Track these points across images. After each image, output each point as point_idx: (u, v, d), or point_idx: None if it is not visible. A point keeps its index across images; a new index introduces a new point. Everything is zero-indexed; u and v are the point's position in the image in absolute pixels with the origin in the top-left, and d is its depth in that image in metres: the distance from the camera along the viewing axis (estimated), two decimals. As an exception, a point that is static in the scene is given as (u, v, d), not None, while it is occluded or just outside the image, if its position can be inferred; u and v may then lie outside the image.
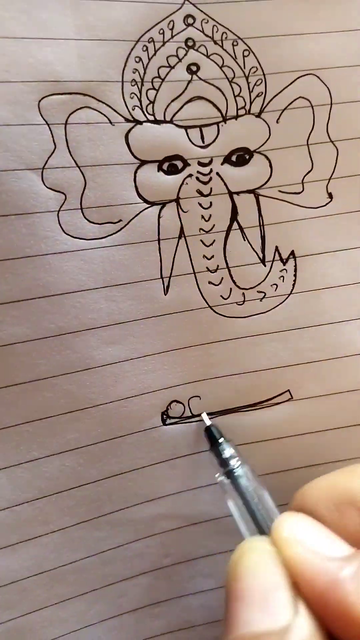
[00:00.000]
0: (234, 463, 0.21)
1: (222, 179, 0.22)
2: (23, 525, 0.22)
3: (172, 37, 0.21)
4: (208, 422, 0.22)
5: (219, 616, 0.25)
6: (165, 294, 0.22)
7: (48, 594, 0.22)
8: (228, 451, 0.21)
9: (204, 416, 0.23)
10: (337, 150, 0.23)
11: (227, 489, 0.21)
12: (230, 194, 0.23)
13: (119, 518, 0.23)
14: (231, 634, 0.15)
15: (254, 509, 0.20)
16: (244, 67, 0.22)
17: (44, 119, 0.20)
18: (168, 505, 0.23)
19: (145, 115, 0.21)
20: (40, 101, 0.20)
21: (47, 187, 0.20)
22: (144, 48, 0.21)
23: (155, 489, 0.23)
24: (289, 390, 0.24)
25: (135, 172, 0.21)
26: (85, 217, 0.21)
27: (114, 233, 0.21)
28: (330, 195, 0.23)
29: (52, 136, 0.20)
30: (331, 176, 0.23)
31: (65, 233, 0.21)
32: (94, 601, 0.23)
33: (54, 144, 0.20)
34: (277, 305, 0.23)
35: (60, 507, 0.22)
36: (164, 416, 0.23)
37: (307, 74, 0.23)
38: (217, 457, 0.21)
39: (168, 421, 0.23)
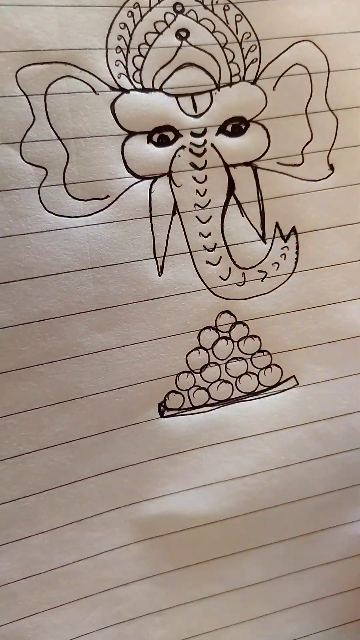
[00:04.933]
0: None
1: (217, 151, 0.21)
2: (10, 525, 0.20)
3: (160, 1, 0.20)
4: None
5: (227, 622, 0.23)
6: (159, 275, 0.21)
7: (39, 599, 0.21)
8: None
9: None
10: (337, 119, 0.22)
11: None
12: (226, 166, 0.21)
13: (114, 518, 0.21)
14: None
15: None
16: (237, 33, 0.21)
17: (22, 90, 0.19)
18: (169, 505, 0.22)
19: (132, 83, 0.20)
20: (18, 71, 0.19)
21: (26, 162, 0.19)
22: (129, 14, 0.20)
23: (154, 487, 0.22)
24: (294, 376, 0.23)
25: (123, 144, 0.20)
26: (68, 194, 0.20)
27: (101, 210, 0.20)
28: (331, 167, 0.22)
29: (31, 108, 0.19)
30: (332, 147, 0.22)
31: (47, 210, 0.20)
32: (90, 608, 0.22)
33: (33, 115, 0.19)
34: (279, 285, 0.22)
35: (49, 506, 0.21)
36: (162, 407, 0.22)
37: (303, 40, 0.21)
38: None
39: (166, 413, 0.22)
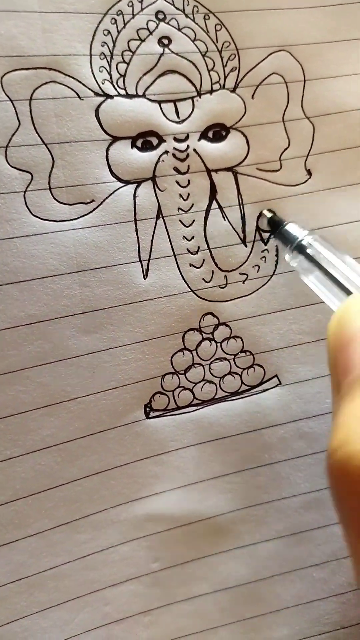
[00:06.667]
0: (301, 235, 0.21)
1: (199, 156, 0.22)
2: (-2, 529, 0.20)
3: (142, 9, 0.21)
4: (268, 214, 0.22)
5: (215, 623, 0.24)
6: (144, 278, 0.22)
7: (27, 602, 0.21)
8: (294, 228, 0.21)
9: (265, 211, 0.22)
10: (313, 126, 0.23)
11: (305, 266, 0.20)
12: (209, 171, 0.22)
13: (101, 519, 0.22)
14: (350, 375, 0.15)
15: (339, 275, 0.19)
16: (217, 42, 0.22)
17: (6, 95, 0.19)
18: (155, 505, 0.22)
19: (116, 89, 0.21)
20: (2, 77, 0.19)
21: (11, 167, 0.19)
22: (113, 21, 0.21)
23: (141, 487, 0.22)
24: (276, 376, 0.23)
25: (108, 149, 0.21)
26: (54, 198, 0.20)
27: (86, 214, 0.21)
28: (309, 172, 0.23)
29: (16, 113, 0.20)
30: (309, 152, 0.23)
31: (32, 215, 0.20)
32: (78, 610, 0.22)
33: (18, 120, 0.20)
34: (260, 287, 0.23)
35: (37, 509, 0.21)
36: (147, 409, 0.22)
37: (280, 50, 0.22)
38: (285, 238, 0.21)
39: (152, 414, 0.22)
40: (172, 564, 0.23)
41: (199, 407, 0.23)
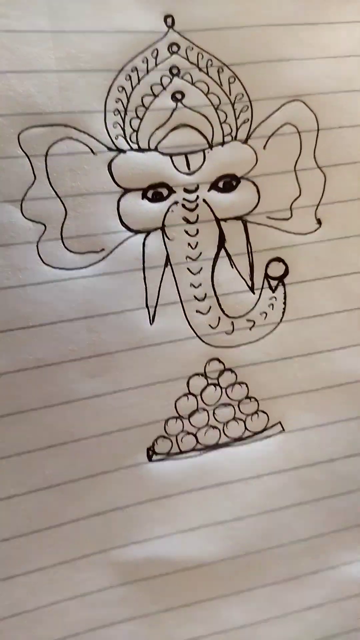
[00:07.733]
0: None
1: (208, 206, 0.22)
2: (0, 564, 0.21)
3: (157, 65, 0.22)
4: None
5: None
6: (150, 324, 0.22)
7: (26, 636, 0.22)
8: None
9: None
10: (325, 176, 0.23)
11: None
12: (217, 220, 0.23)
13: (101, 560, 0.22)
14: None
15: None
16: (230, 94, 0.23)
17: (23, 152, 0.21)
18: (155, 548, 0.23)
19: (128, 144, 0.22)
20: (20, 134, 0.21)
21: (26, 219, 0.21)
22: (127, 77, 0.22)
23: (141, 530, 0.23)
24: (280, 422, 0.24)
25: (119, 201, 0.22)
26: (66, 247, 0.21)
27: (96, 262, 0.22)
28: (319, 221, 0.23)
29: (32, 168, 0.21)
30: (319, 202, 0.23)
31: (45, 264, 0.21)
32: (76, 648, 0.22)
33: (34, 175, 0.21)
34: (267, 334, 0.23)
35: (39, 546, 0.22)
36: (150, 452, 0.23)
37: (294, 100, 0.23)
38: None
39: (154, 457, 0.23)
40: (170, 606, 0.23)
41: (202, 452, 0.23)
